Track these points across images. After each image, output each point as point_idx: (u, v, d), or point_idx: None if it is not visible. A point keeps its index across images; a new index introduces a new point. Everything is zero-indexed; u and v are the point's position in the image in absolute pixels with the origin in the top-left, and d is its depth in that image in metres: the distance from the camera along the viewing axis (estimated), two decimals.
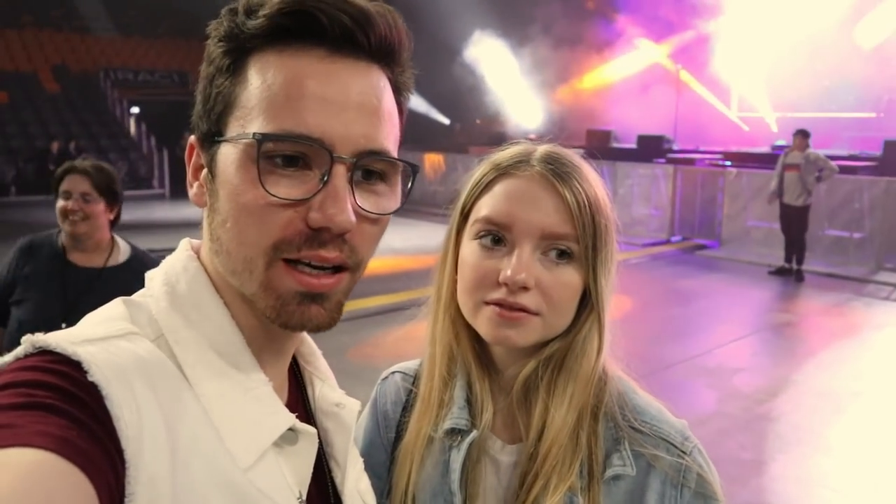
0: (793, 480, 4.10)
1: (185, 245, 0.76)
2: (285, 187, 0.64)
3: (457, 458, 0.95)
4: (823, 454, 4.42)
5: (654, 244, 11.62)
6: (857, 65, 16.66)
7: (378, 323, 6.56)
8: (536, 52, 20.01)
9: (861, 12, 16.35)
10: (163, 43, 26.82)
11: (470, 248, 0.94)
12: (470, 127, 23.44)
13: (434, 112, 23.03)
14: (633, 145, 16.20)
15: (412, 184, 0.74)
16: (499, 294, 0.90)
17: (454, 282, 0.98)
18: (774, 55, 17.38)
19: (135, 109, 22.69)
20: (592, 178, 0.95)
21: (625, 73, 19.97)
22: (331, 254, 0.66)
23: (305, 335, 0.85)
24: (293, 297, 0.67)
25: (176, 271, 0.73)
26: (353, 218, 0.65)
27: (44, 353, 0.58)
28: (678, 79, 18.83)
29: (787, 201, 9.15)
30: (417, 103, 22.25)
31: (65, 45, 25.25)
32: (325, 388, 0.84)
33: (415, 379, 1.09)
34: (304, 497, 0.72)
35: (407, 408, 1.07)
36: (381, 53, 0.70)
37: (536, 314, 0.90)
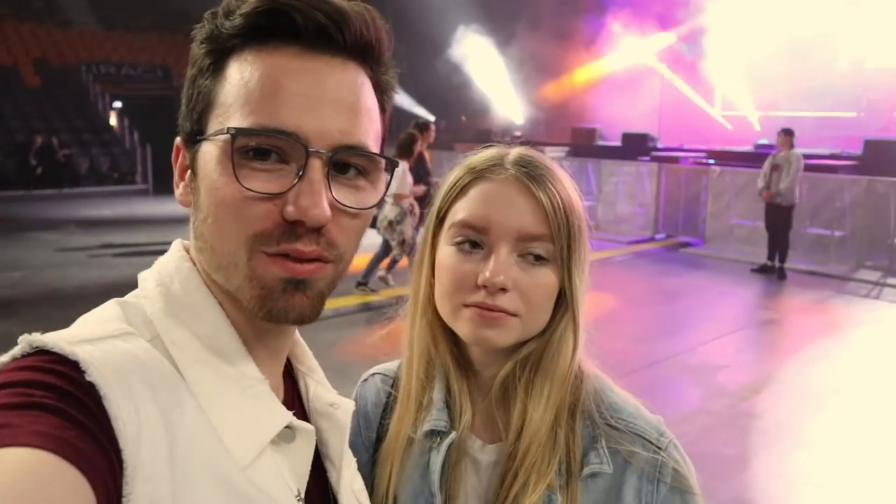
0: (775, 476, 4.14)
1: (177, 246, 0.76)
2: (261, 181, 0.65)
3: (436, 460, 0.96)
4: (804, 450, 4.47)
5: (638, 242, 11.68)
6: (837, 65, 16.83)
7: (362, 320, 6.56)
8: (522, 49, 20.02)
9: (845, 10, 16.48)
10: (146, 37, 26.56)
11: (447, 252, 0.95)
12: (455, 124, 23.43)
13: (419, 109, 22.99)
14: (618, 143, 16.27)
15: (391, 178, 0.75)
16: (478, 297, 0.91)
17: (431, 285, 0.98)
18: (757, 55, 17.50)
19: (117, 104, 22.48)
20: (565, 181, 0.96)
21: (610, 71, 20.02)
22: (307, 248, 0.67)
23: (298, 336, 0.85)
24: (277, 285, 0.67)
25: (169, 271, 0.73)
26: (327, 212, 0.66)
27: (41, 352, 0.58)
28: (663, 77, 18.92)
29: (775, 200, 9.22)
30: (402, 100, 22.17)
31: (46, 38, 24.93)
32: (320, 389, 0.85)
33: (394, 381, 1.10)
34: (303, 495, 0.72)
35: (387, 410, 1.07)
36: (358, 50, 0.71)
37: (515, 315, 0.91)
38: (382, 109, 0.75)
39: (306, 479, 0.73)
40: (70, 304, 7.34)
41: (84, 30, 26.31)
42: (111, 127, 22.43)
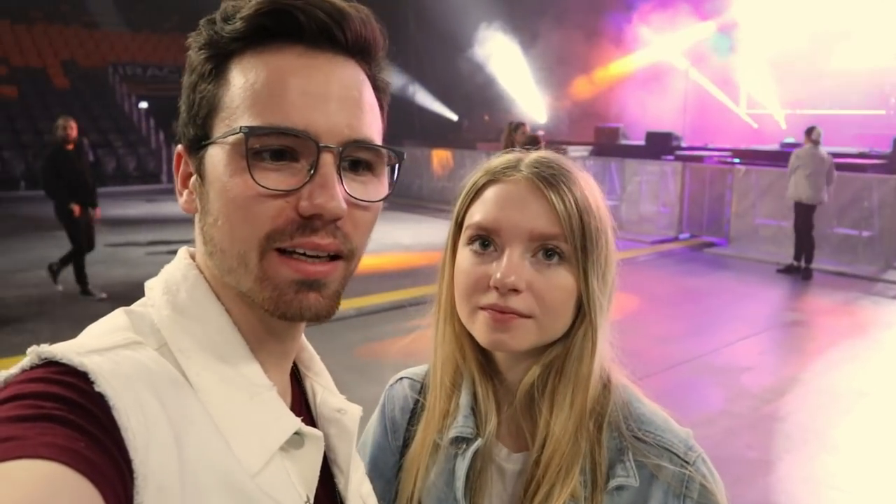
0: (799, 480, 4.09)
1: (182, 253, 0.77)
2: (274, 179, 0.66)
3: (462, 467, 0.96)
4: (830, 454, 4.41)
5: (662, 241, 11.59)
6: (865, 62, 16.58)
7: (387, 320, 6.57)
8: (546, 48, 19.95)
9: (872, 6, 16.22)
10: (171, 38, 26.84)
11: (463, 255, 0.96)
12: (478, 123, 23.40)
13: (442, 108, 22.99)
14: (642, 142, 16.15)
15: (399, 170, 0.76)
16: (491, 298, 0.90)
17: (453, 292, 0.98)
18: (783, 52, 17.29)
19: (143, 104, 22.74)
20: (583, 182, 0.95)
21: (634, 69, 19.89)
22: (324, 240, 0.67)
23: (305, 341, 0.85)
24: (290, 286, 0.67)
25: (175, 280, 0.73)
26: (343, 205, 0.67)
27: (50, 364, 0.58)
28: (687, 76, 18.76)
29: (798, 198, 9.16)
30: (425, 99, 22.20)
31: (74, 40, 25.32)
32: (327, 394, 0.85)
33: (422, 386, 1.09)
34: (312, 501, 0.72)
35: (414, 416, 1.07)
36: (358, 49, 0.72)
37: (529, 317, 0.90)
38: (381, 107, 0.76)
39: (315, 484, 0.73)
40: (97, 301, 7.45)
41: (111, 32, 26.68)
42: (137, 127, 22.70)
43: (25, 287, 8.16)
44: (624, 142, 16.77)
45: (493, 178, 0.96)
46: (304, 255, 0.67)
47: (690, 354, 6.15)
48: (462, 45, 20.65)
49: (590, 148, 16.05)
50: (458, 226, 0.99)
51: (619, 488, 0.90)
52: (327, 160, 0.66)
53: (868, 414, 5.02)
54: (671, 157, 13.85)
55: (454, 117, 23.69)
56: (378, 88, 0.76)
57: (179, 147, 0.74)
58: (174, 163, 0.75)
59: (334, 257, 0.69)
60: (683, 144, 16.14)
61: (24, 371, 0.58)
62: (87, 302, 7.50)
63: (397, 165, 0.76)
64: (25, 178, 18.66)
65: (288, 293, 0.67)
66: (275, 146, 0.66)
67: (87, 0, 27.34)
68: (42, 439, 0.50)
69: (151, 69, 24.92)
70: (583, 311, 0.94)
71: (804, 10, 16.90)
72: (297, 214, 0.66)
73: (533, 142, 7.43)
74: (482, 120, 23.46)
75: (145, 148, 21.58)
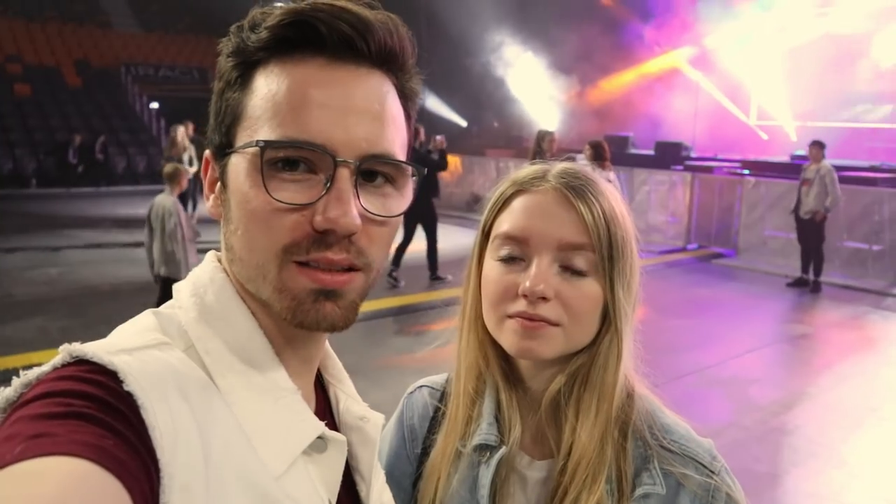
0: (806, 494, 4.06)
1: (211, 257, 0.77)
2: (290, 192, 0.66)
3: (486, 474, 0.96)
4: (837, 468, 4.38)
5: (670, 251, 11.56)
6: (877, 74, 16.52)
7: (393, 324, 6.57)
8: (556, 56, 19.95)
9: (884, 20, 16.17)
10: (184, 39, 27.02)
11: (491, 265, 0.97)
12: (487, 129, 23.41)
13: (451, 114, 23.00)
14: (651, 152, 16.12)
15: (417, 186, 0.76)
16: (519, 306, 0.92)
17: (478, 300, 0.99)
18: (795, 64, 17.24)
19: (154, 105, 22.86)
20: (608, 193, 0.96)
21: (645, 79, 19.87)
22: (338, 255, 0.67)
23: (329, 348, 0.86)
24: (308, 296, 0.68)
25: (203, 282, 0.74)
26: (357, 220, 0.67)
27: (80, 362, 0.59)
28: (698, 86, 18.72)
29: (801, 214, 9.13)
30: (435, 105, 22.23)
31: (87, 39, 25.49)
32: (350, 402, 0.85)
33: (442, 394, 1.10)
34: None
35: (434, 423, 1.08)
36: (382, 59, 0.71)
37: (557, 325, 0.91)
38: (408, 116, 0.76)
39: (337, 489, 0.74)
40: (105, 300, 7.47)
41: (124, 32, 26.85)
42: (148, 127, 22.81)
43: (35, 284, 8.20)
44: (633, 151, 16.73)
45: (520, 189, 0.97)
46: (318, 267, 0.68)
47: (698, 366, 6.13)
48: (472, 50, 20.68)
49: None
50: (486, 235, 1.00)
51: (646, 496, 0.91)
52: (343, 175, 0.67)
53: (877, 429, 4.99)
54: (680, 167, 13.80)
55: (463, 123, 23.70)
56: (405, 97, 0.75)
57: (207, 152, 0.75)
58: (202, 167, 0.76)
59: (350, 269, 0.69)
60: (693, 155, 16.09)
61: (55, 369, 0.58)
62: (95, 299, 7.52)
63: (416, 180, 0.76)
64: (37, 175, 18.76)
65: (306, 302, 0.68)
66: (292, 158, 0.66)
67: (101, 0, 27.53)
68: (72, 437, 0.51)
69: (163, 69, 25.07)
70: (608, 320, 0.94)
71: (816, 23, 16.87)
72: (312, 228, 0.66)
73: (601, 147, 7.65)
74: (491, 126, 23.46)
75: (156, 148, 21.67)
